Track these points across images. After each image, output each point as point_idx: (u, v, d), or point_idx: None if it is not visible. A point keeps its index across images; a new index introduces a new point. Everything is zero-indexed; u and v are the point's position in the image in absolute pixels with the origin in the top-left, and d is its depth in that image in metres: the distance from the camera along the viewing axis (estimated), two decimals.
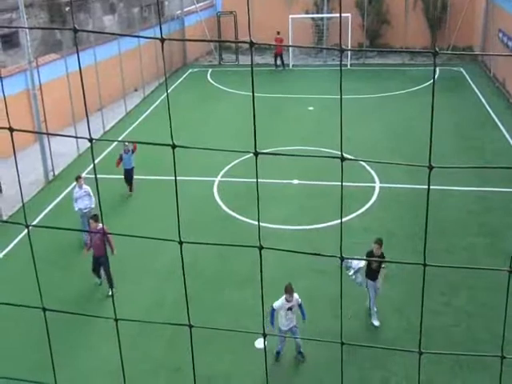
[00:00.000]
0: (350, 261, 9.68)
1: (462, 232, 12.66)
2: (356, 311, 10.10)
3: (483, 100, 21.40)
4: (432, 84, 1.42)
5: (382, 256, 9.55)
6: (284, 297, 8.87)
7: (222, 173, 15.89)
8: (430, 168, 1.31)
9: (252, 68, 1.50)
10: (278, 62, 27.15)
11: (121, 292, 10.68)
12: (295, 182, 15.34)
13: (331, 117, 19.41)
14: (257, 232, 12.36)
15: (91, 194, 12.40)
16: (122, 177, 14.74)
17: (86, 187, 12.38)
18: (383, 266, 9.80)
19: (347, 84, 23.09)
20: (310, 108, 21.20)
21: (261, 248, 1.48)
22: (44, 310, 1.57)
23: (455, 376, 8.79)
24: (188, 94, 23.82)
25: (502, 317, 9.69)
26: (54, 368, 1.78)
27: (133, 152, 14.43)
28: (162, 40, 1.35)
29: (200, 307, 10.19)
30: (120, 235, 1.94)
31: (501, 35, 22.83)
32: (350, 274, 9.67)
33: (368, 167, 15.82)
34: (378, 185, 14.97)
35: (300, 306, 9.09)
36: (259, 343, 9.43)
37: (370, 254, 9.60)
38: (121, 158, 14.40)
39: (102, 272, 10.90)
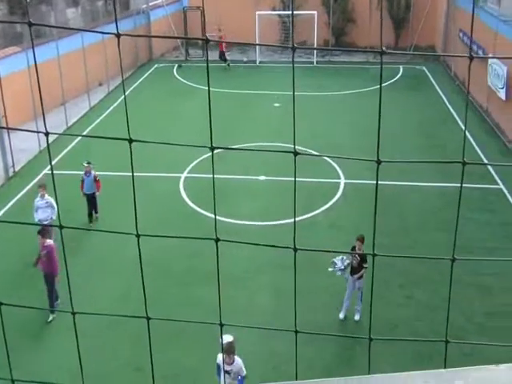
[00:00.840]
0: (335, 261, 9.61)
1: (424, 227, 12.98)
2: (324, 304, 10.26)
3: (444, 98, 21.95)
4: (380, 83, 1.48)
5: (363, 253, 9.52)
6: (222, 356, 7.15)
7: (188, 169, 15.82)
8: (379, 162, 1.37)
9: (208, 64, 1.53)
10: (224, 58, 26.97)
11: (87, 288, 10.54)
12: (262, 178, 15.41)
13: (297, 113, 19.53)
14: (223, 227, 12.39)
15: (54, 205, 11.67)
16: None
17: (49, 198, 11.78)
18: (365, 265, 9.69)
19: (313, 81, 23.31)
20: (276, 104, 21.29)
21: (217, 240, 1.52)
22: (0, 304, 1.57)
23: (417, 367, 9.05)
24: (153, 90, 23.58)
25: (462, 309, 10.02)
26: (9, 363, 1.77)
27: (98, 188, 13.04)
28: (118, 35, 1.36)
29: (167, 303, 10.16)
30: (80, 229, 1.94)
31: (461, 35, 23.45)
32: (336, 270, 9.59)
33: (333, 163, 16.02)
34: (342, 181, 15.19)
35: (243, 378, 7.32)
36: (224, 338, 9.45)
37: (353, 251, 9.67)
38: (83, 182, 13.04)
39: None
